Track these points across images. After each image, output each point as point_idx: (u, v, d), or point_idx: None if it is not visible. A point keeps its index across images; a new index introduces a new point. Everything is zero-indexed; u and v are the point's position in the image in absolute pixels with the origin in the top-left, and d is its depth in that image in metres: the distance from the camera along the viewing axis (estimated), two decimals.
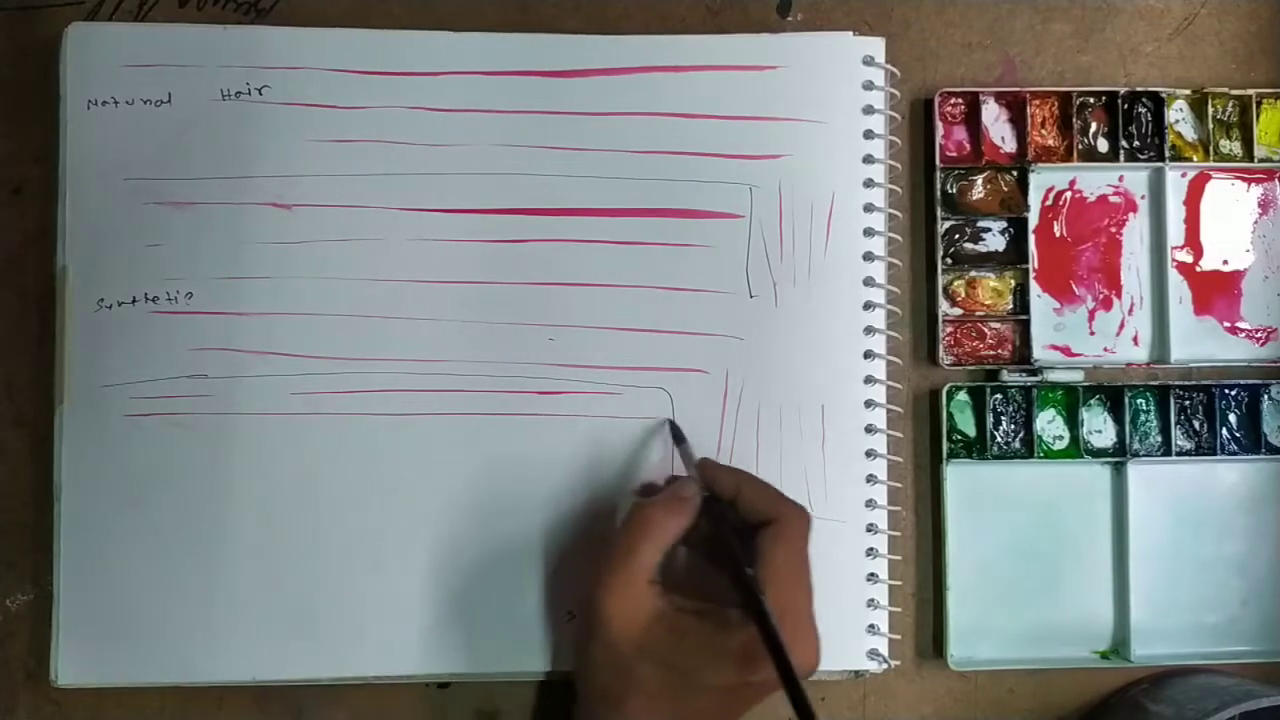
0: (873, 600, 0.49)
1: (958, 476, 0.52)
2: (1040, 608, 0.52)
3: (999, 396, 0.52)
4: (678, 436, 0.48)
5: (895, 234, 0.51)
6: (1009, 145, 0.53)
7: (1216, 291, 0.53)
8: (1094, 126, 0.53)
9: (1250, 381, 0.52)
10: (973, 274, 0.52)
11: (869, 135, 0.50)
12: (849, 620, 0.49)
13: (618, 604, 0.41)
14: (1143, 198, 0.53)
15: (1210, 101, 0.53)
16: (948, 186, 0.52)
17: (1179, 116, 0.53)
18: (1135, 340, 0.53)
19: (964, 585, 0.51)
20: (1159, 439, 0.52)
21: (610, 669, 0.41)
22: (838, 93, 0.50)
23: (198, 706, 0.49)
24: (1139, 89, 0.53)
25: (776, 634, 0.39)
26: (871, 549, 0.49)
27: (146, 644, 0.47)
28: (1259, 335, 0.53)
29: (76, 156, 0.48)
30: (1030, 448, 0.52)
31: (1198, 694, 0.49)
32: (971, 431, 0.52)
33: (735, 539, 0.43)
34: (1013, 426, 0.52)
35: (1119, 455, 0.52)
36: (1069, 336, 0.53)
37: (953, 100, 0.53)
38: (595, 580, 0.42)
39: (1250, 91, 0.53)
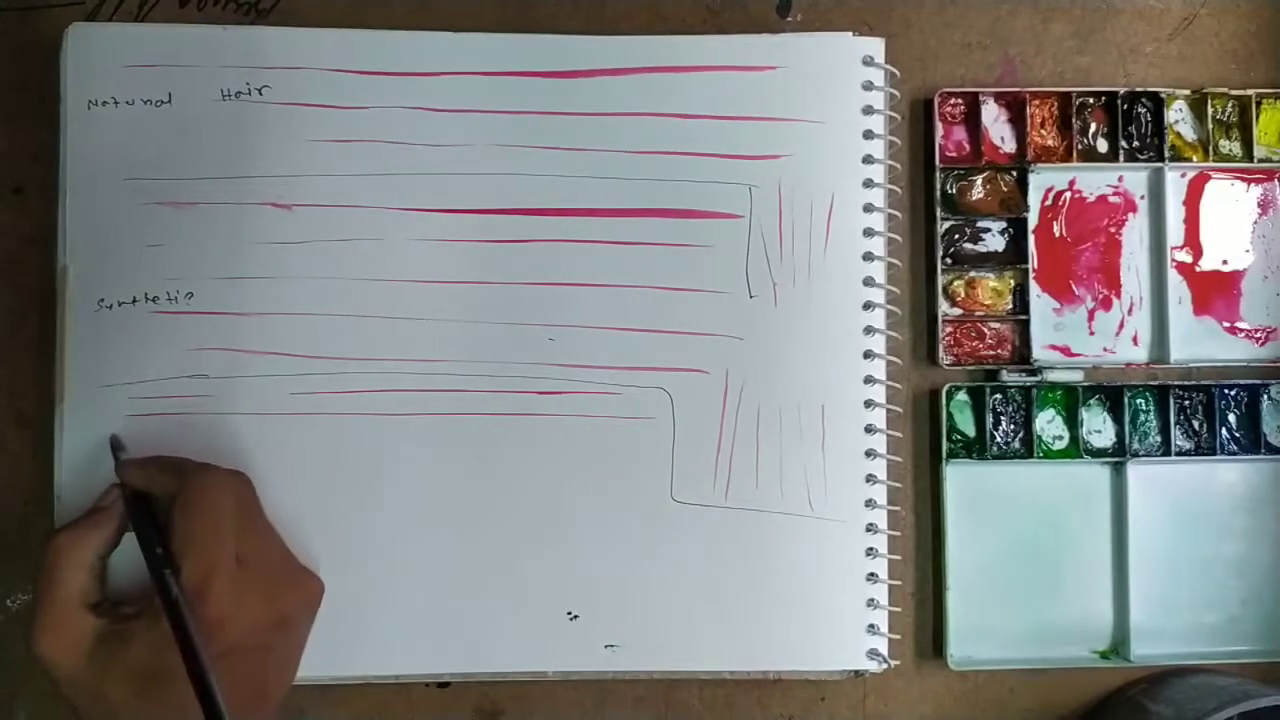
0: (872, 600, 0.49)
1: (957, 476, 0.52)
2: (1040, 608, 0.52)
3: (999, 396, 0.52)
4: (115, 446, 0.47)
5: (895, 234, 0.51)
6: (1008, 145, 0.53)
7: (1216, 291, 0.53)
8: (1093, 127, 0.53)
9: (1250, 381, 0.53)
10: (972, 274, 0.52)
11: (869, 135, 0.50)
12: (849, 620, 0.49)
13: (54, 643, 0.41)
14: (1142, 198, 0.53)
15: (1210, 102, 0.53)
16: (947, 187, 0.52)
17: (1178, 117, 0.53)
18: (1135, 340, 0.53)
19: (964, 585, 0.51)
20: (1158, 439, 0.52)
21: (85, 704, 0.41)
22: (837, 93, 0.50)
23: None
24: (1139, 89, 0.53)
25: (172, 604, 0.39)
26: (871, 549, 0.50)
27: None
28: (1258, 335, 0.53)
29: (77, 156, 0.48)
30: (1030, 448, 0.52)
31: (1197, 694, 0.49)
32: (971, 431, 0.52)
33: (148, 525, 0.43)
34: (1012, 426, 0.52)
35: (1118, 455, 0.52)
36: (1068, 336, 0.53)
37: (952, 100, 0.53)
38: (29, 627, 0.41)
39: (1250, 92, 0.53)
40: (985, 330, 0.52)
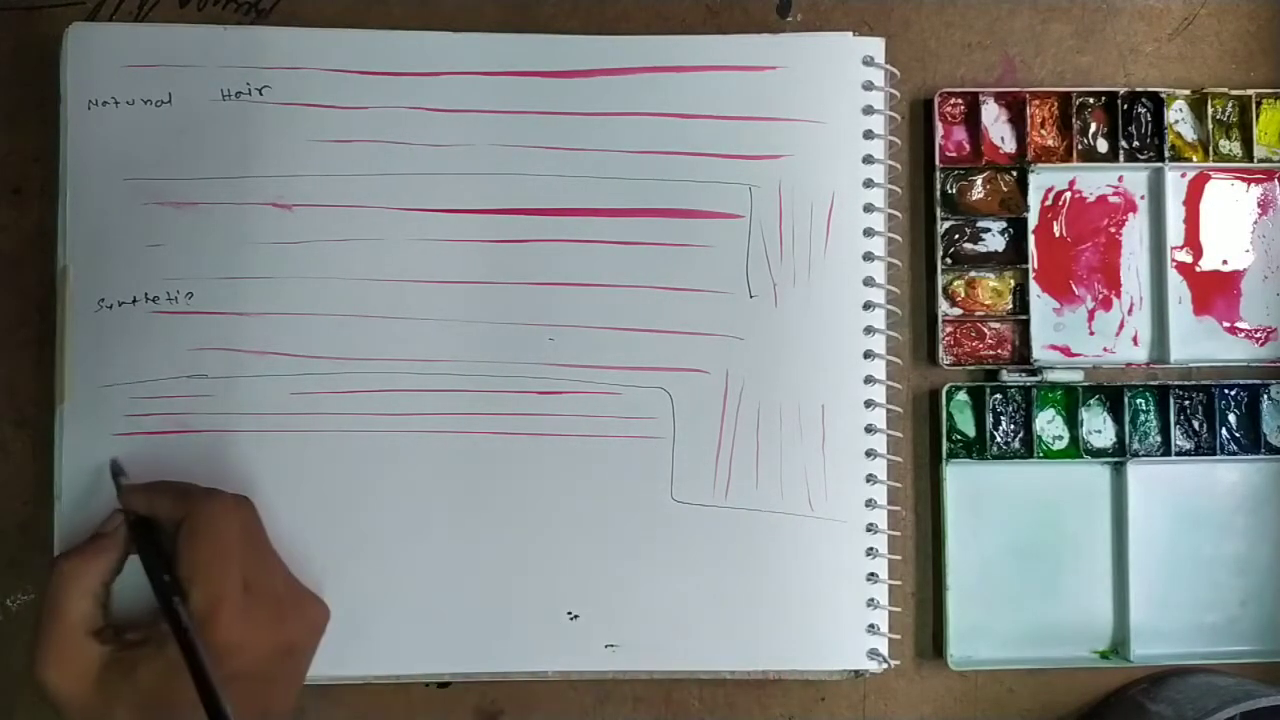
0: (873, 600, 0.49)
1: (957, 476, 0.52)
2: (1040, 608, 0.52)
3: (999, 396, 0.52)
4: (116, 470, 0.47)
5: (895, 234, 0.51)
6: (1009, 145, 0.53)
7: (1216, 291, 0.53)
8: (1094, 127, 0.53)
9: (1250, 381, 0.53)
10: (972, 274, 0.52)
11: (869, 135, 0.50)
12: (849, 620, 0.49)
13: (58, 671, 0.41)
14: (1142, 198, 0.53)
15: (1210, 102, 0.53)
16: (947, 187, 0.52)
17: (1178, 117, 0.53)
18: (1135, 340, 0.53)
19: (964, 585, 0.51)
20: (1158, 439, 0.52)
21: None
22: (837, 93, 0.50)
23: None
24: (1139, 89, 0.53)
25: (181, 630, 0.39)
26: (871, 549, 0.50)
27: None
28: (1258, 335, 0.53)
29: (76, 156, 0.48)
30: (1030, 448, 0.52)
31: (1197, 694, 0.49)
32: (971, 431, 0.52)
33: (154, 552, 0.43)
34: (1012, 426, 0.52)
35: (1119, 455, 0.52)
36: (1068, 336, 0.53)
37: (952, 100, 0.53)
38: (30, 654, 0.41)
39: (1250, 92, 0.53)
40: (985, 330, 0.52)
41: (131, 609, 0.45)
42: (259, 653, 0.41)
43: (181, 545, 0.42)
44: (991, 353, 0.52)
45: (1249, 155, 0.53)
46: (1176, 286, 0.53)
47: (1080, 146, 0.53)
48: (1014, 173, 0.52)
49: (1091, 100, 0.53)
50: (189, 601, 0.40)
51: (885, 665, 0.49)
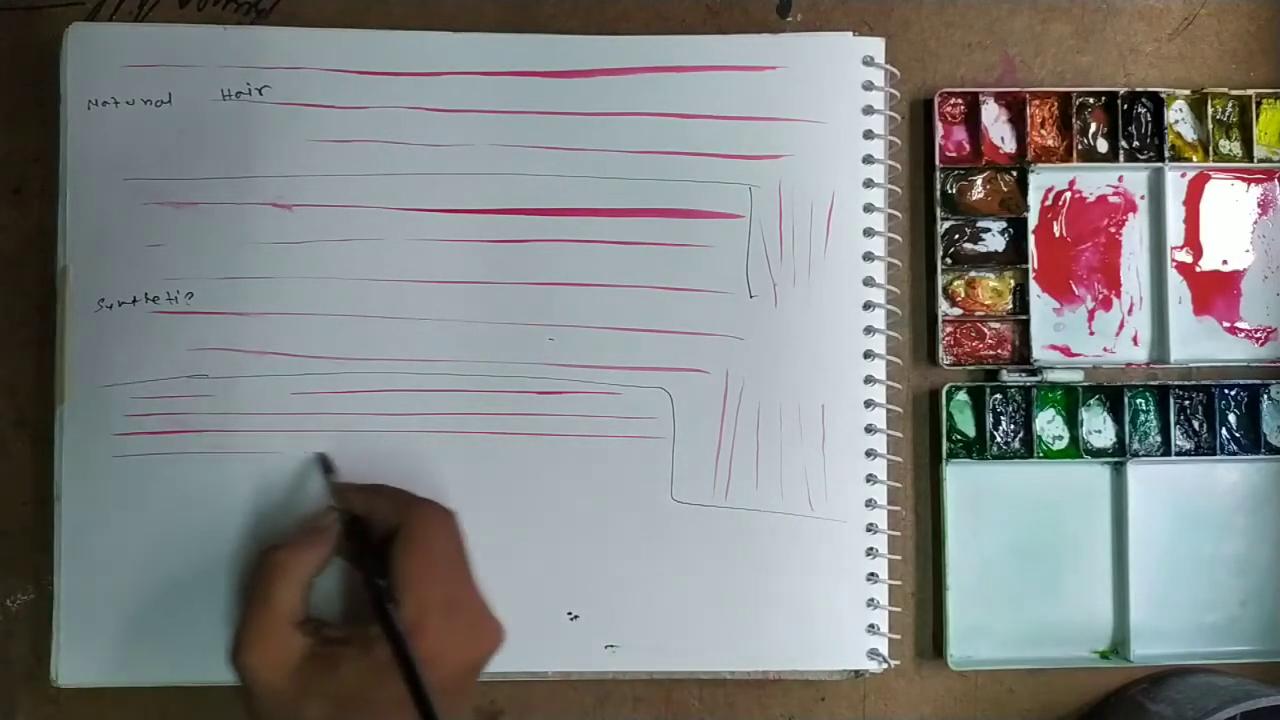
0: (873, 600, 0.49)
1: (957, 476, 0.52)
2: (1040, 608, 0.52)
3: (999, 396, 0.52)
4: (327, 467, 0.47)
5: (895, 234, 0.51)
6: (1008, 145, 0.53)
7: (1216, 291, 0.53)
8: (1094, 127, 0.53)
9: (1250, 381, 0.53)
10: (972, 274, 0.52)
11: (869, 135, 0.50)
12: (849, 620, 0.49)
13: (261, 657, 0.41)
14: (1142, 198, 0.53)
15: (1210, 102, 0.53)
16: (947, 187, 0.52)
17: (1178, 117, 0.53)
18: (1135, 340, 0.53)
19: (964, 585, 0.51)
20: (1159, 439, 0.52)
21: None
22: (837, 93, 0.50)
23: (198, 706, 0.49)
24: (1139, 89, 0.53)
25: (400, 638, 0.39)
26: (871, 549, 0.50)
27: (146, 644, 0.47)
28: (1258, 335, 0.53)
29: (76, 156, 0.48)
30: (1030, 448, 0.52)
31: (1197, 694, 0.49)
32: (971, 431, 0.52)
33: (369, 553, 0.43)
34: (1012, 426, 0.52)
35: (1119, 455, 0.52)
36: (1068, 336, 0.53)
37: (952, 100, 0.53)
38: (234, 637, 0.41)
39: (1250, 92, 0.53)
40: (985, 330, 0.52)
41: (325, 606, 0.45)
42: (451, 668, 0.41)
43: (397, 552, 0.42)
44: (991, 353, 0.52)
45: (1249, 155, 0.53)
46: (1176, 286, 0.53)
47: (1080, 146, 0.53)
48: (1014, 173, 0.52)
49: (1091, 100, 0.53)
50: (400, 609, 0.40)
51: (885, 665, 0.49)
